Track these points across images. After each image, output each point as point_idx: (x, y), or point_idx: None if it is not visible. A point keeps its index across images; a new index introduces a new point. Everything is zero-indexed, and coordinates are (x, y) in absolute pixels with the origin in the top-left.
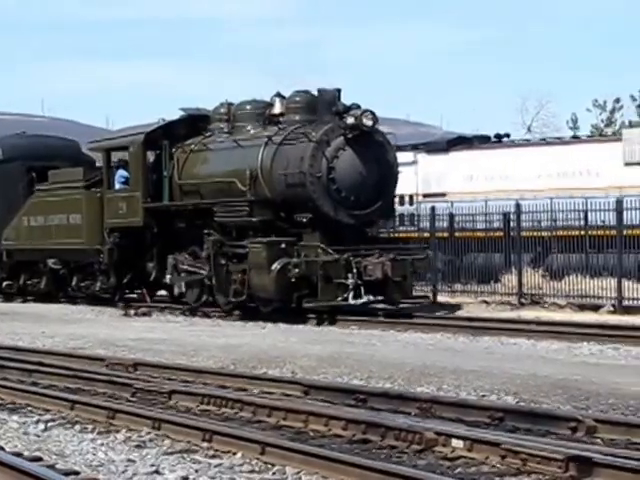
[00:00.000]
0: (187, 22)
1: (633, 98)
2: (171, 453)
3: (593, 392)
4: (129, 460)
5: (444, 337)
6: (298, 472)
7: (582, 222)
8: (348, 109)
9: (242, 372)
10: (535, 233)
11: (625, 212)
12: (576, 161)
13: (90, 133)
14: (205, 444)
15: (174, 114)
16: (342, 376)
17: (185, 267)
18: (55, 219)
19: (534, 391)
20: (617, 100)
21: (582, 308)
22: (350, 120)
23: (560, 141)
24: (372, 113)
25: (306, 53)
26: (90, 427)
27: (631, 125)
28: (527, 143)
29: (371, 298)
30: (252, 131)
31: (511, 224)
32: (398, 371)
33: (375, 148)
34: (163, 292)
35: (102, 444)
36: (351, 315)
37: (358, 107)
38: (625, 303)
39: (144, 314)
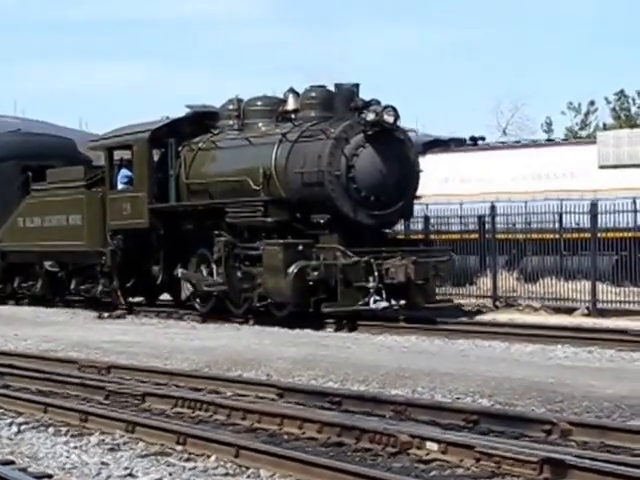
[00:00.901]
0: (166, 22)
1: (607, 101)
2: (145, 456)
3: (567, 395)
4: (102, 463)
5: (419, 340)
6: (272, 475)
7: (557, 225)
8: (367, 105)
9: (216, 374)
10: (510, 236)
11: (599, 215)
12: (551, 164)
13: (64, 134)
14: (179, 447)
15: (150, 116)
16: (317, 378)
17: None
18: (53, 220)
19: (509, 394)
20: (592, 103)
21: (557, 311)
22: (370, 116)
23: (535, 144)
24: (393, 109)
25: (276, 54)
26: (63, 430)
27: (605, 128)
28: (502, 146)
29: (393, 302)
30: (263, 128)
31: (486, 226)
32: (373, 374)
33: (396, 146)
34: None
35: (75, 447)
36: (371, 320)
37: (378, 103)
38: (599, 306)
39: (118, 317)
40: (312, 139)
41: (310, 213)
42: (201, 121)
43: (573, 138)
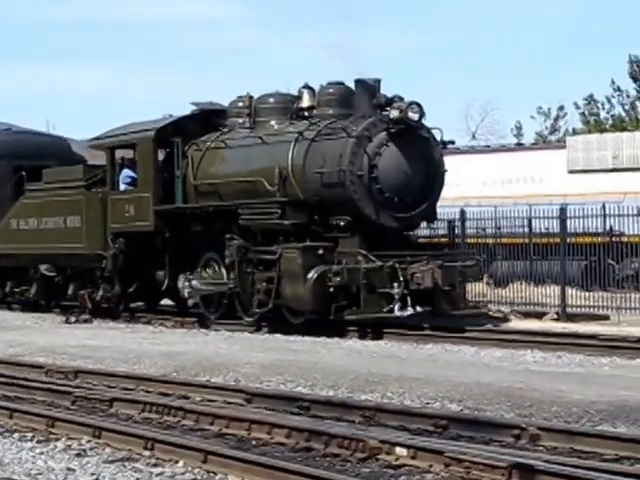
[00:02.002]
0: (129, 25)
1: (577, 106)
2: (112, 462)
3: (536, 400)
4: (69, 469)
5: (388, 344)
6: None
7: (526, 229)
8: (390, 101)
9: (184, 380)
10: (480, 240)
11: (569, 220)
12: (520, 168)
13: None
14: (147, 452)
15: (122, 119)
16: (285, 384)
17: (203, 282)
18: (50, 221)
19: (478, 399)
20: (561, 107)
21: (526, 315)
22: (394, 113)
23: (505, 148)
24: (418, 105)
25: (249, 56)
26: (29, 435)
27: (575, 133)
28: (472, 150)
29: (419, 309)
30: (276, 126)
31: (456, 231)
32: (342, 379)
33: (421, 144)
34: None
35: (41, 453)
36: (395, 328)
37: (401, 99)
38: (569, 310)
39: (85, 321)
40: (332, 137)
41: (329, 215)
42: (208, 119)
43: (543, 143)
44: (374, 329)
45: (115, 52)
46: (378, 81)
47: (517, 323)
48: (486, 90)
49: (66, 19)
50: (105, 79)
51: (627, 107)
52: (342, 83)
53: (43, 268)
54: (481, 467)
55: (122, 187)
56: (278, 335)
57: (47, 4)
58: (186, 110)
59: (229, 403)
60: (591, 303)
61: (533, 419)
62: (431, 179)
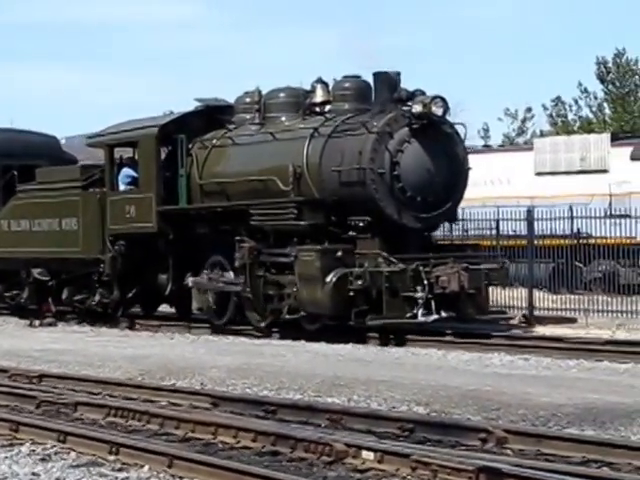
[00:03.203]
0: (95, 26)
1: (544, 107)
2: (77, 466)
3: (504, 403)
4: (33, 474)
5: (355, 348)
6: None
7: (494, 231)
8: (412, 95)
9: (150, 383)
10: (446, 242)
11: (536, 222)
12: (488, 170)
13: None
14: (111, 457)
15: (87, 119)
16: (252, 387)
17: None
18: (43, 223)
19: (445, 402)
20: (528, 109)
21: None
22: (417, 108)
23: (472, 150)
24: (443, 100)
25: (213, 58)
26: None
27: (542, 134)
28: None
29: (443, 314)
30: (287, 122)
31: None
32: (308, 382)
33: (444, 141)
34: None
35: (5, 457)
36: (419, 335)
37: (423, 93)
38: (536, 313)
39: (49, 324)
40: (350, 133)
41: (347, 215)
42: (213, 116)
43: (510, 145)
44: (396, 335)
45: (83, 53)
46: (398, 74)
47: (484, 325)
48: (454, 92)
49: (32, 21)
50: (67, 80)
51: (594, 109)
52: (359, 76)
53: (36, 272)
54: (448, 470)
55: (122, 187)
56: (244, 338)
57: (11, 4)
58: (152, 113)
59: (195, 407)
60: (559, 306)
61: (500, 422)
62: (455, 177)
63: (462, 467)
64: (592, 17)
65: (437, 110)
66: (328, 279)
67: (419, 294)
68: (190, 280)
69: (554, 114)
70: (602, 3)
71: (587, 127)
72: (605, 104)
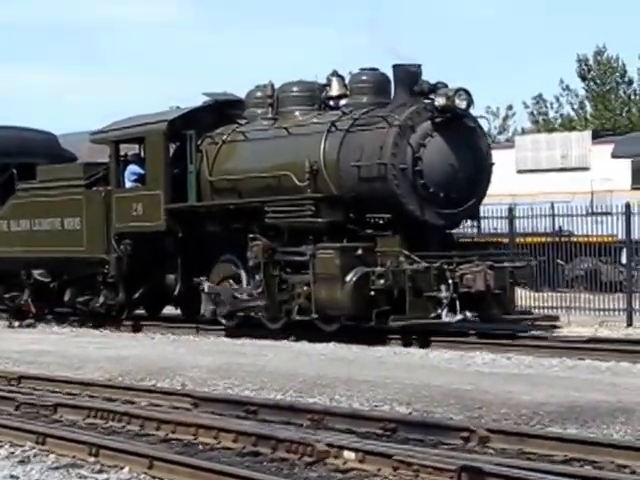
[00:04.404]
0: (86, 26)
1: (526, 105)
2: (56, 468)
3: (486, 401)
4: (12, 476)
5: (337, 347)
6: None
7: (475, 229)
8: (434, 88)
9: (130, 384)
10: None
11: (517, 219)
12: None
13: None
14: (91, 458)
15: (71, 119)
16: (233, 387)
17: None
18: (45, 223)
19: (427, 401)
20: (510, 107)
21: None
22: (441, 101)
23: None
24: (467, 92)
25: (197, 58)
26: None
27: (524, 132)
28: None
29: (468, 314)
30: (301, 117)
31: None
32: (290, 382)
33: (467, 135)
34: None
35: None
36: (442, 335)
37: (445, 85)
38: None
39: (29, 325)
40: (370, 128)
41: (366, 212)
42: (223, 110)
43: (491, 142)
44: (420, 336)
45: (55, 53)
46: (419, 66)
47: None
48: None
49: (15, 20)
50: (46, 81)
51: (576, 106)
52: (376, 69)
53: (36, 273)
54: (430, 470)
55: (128, 184)
56: (225, 338)
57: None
58: (124, 114)
59: (175, 408)
60: (541, 304)
61: (482, 421)
62: (479, 173)
63: (444, 467)
64: (573, 14)
65: (461, 103)
66: (348, 278)
67: (443, 293)
68: (206, 286)
69: (535, 112)
70: (583, 0)
71: (568, 125)
72: (586, 102)
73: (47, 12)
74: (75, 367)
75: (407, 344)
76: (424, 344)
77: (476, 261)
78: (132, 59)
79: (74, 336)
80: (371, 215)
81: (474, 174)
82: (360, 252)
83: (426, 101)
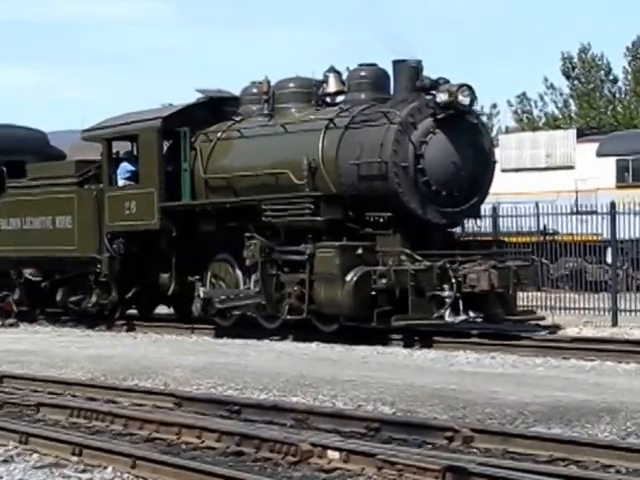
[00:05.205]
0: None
1: (510, 103)
2: (39, 467)
3: (470, 401)
4: None
5: (320, 347)
6: None
7: (458, 228)
8: (435, 84)
9: (113, 384)
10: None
11: (501, 218)
12: None
13: None
14: (75, 458)
15: (42, 120)
16: (216, 387)
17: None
18: (36, 222)
19: (411, 401)
20: (494, 106)
21: None
22: (443, 97)
23: None
24: (470, 88)
25: (181, 58)
26: None
27: (508, 131)
28: None
29: (471, 314)
30: (298, 114)
31: None
32: (273, 381)
33: (470, 132)
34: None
35: None
36: (445, 336)
37: (447, 81)
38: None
39: (11, 325)
40: (370, 124)
41: (365, 211)
42: (217, 107)
43: None
44: (422, 336)
45: (36, 52)
46: (420, 62)
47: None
48: None
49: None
50: (27, 80)
51: (560, 105)
52: (375, 64)
53: (27, 273)
54: (414, 470)
55: (121, 183)
56: (208, 338)
57: None
58: (105, 115)
59: (158, 407)
60: (525, 303)
61: (467, 421)
62: (481, 171)
63: (428, 466)
64: (557, 12)
65: (464, 99)
66: (348, 278)
67: (446, 293)
68: (201, 291)
69: (519, 110)
70: None
71: (553, 123)
72: (571, 100)
73: (30, 10)
74: (58, 367)
75: (408, 345)
76: (427, 344)
77: (479, 260)
78: (116, 57)
79: (56, 335)
80: (371, 214)
81: (477, 172)
82: (360, 251)
83: (428, 97)
